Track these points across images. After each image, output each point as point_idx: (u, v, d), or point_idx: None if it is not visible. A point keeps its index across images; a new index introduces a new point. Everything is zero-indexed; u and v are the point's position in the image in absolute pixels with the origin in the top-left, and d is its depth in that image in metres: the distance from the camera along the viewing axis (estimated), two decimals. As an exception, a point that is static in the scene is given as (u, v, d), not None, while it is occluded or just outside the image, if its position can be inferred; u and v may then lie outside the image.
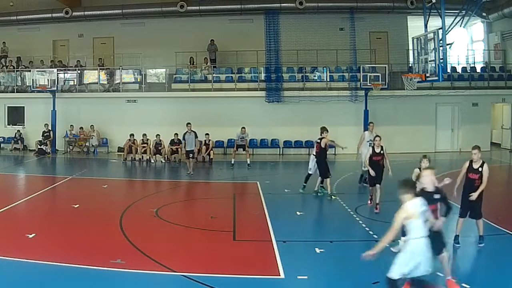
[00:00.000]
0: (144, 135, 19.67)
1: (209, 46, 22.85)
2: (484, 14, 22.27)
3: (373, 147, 11.21)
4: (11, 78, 23.10)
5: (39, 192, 13.07)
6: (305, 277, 7.00)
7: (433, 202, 6.27)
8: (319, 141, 12.41)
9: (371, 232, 9.23)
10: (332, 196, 12.31)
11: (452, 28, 15.60)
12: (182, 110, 20.60)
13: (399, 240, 6.83)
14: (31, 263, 7.36)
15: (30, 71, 22.13)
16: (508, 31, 22.62)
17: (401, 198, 5.72)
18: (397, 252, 6.30)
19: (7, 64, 23.51)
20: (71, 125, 21.84)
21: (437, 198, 6.34)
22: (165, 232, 9.65)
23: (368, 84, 20.27)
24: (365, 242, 8.35)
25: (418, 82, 16.66)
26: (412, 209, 5.56)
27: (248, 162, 17.67)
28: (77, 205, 11.36)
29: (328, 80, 22.07)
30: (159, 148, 19.45)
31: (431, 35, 15.42)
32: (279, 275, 7.14)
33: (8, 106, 23.19)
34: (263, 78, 22.05)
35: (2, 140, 22.77)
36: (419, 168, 7.98)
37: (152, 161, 19.36)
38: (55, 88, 21.38)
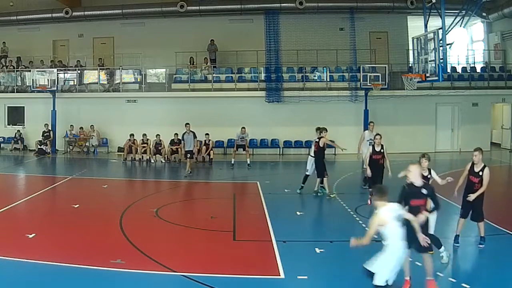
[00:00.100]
0: (144, 135, 19.68)
1: (209, 46, 22.85)
2: (484, 14, 22.26)
3: (373, 146, 11.21)
4: (11, 78, 23.10)
5: (39, 192, 13.08)
6: (305, 277, 7.00)
7: (420, 197, 6.31)
8: (318, 140, 12.43)
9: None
10: (331, 195, 12.32)
11: (452, 28, 15.59)
12: (182, 110, 20.61)
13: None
14: (31, 263, 7.37)
15: (30, 71, 22.12)
16: (508, 31, 22.62)
17: (374, 204, 5.78)
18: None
19: (7, 64, 23.50)
20: (71, 125, 21.83)
21: (424, 194, 6.35)
22: (165, 232, 9.65)
23: (368, 84, 20.26)
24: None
25: (418, 82, 16.65)
26: (385, 215, 5.60)
27: (248, 162, 17.67)
28: (77, 205, 11.37)
29: (328, 80, 22.06)
30: (159, 148, 19.45)
31: (431, 35, 15.41)
32: (279, 275, 7.14)
33: (8, 106, 23.19)
34: (263, 78, 22.04)
35: (2, 140, 22.77)
36: None
37: (152, 161, 19.36)
38: (55, 88, 21.38)
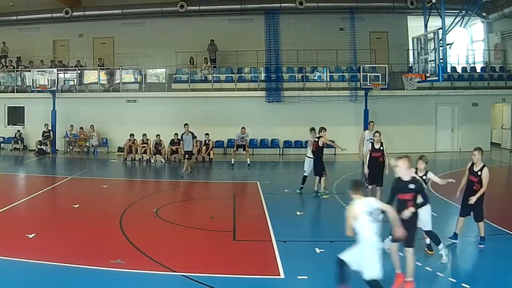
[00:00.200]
0: (144, 135, 19.68)
1: (209, 46, 22.85)
2: (484, 14, 22.28)
3: (372, 143, 11.19)
4: (11, 78, 23.10)
5: (39, 192, 13.08)
6: (305, 277, 7.00)
7: (407, 192, 6.37)
8: (317, 139, 12.44)
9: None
10: (324, 195, 12.28)
11: (452, 28, 15.59)
12: (182, 110, 20.62)
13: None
14: (31, 263, 7.37)
15: (30, 71, 22.11)
16: (508, 31, 22.62)
17: (351, 197, 5.92)
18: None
19: (7, 64, 23.51)
20: (71, 125, 21.83)
21: (412, 188, 6.39)
22: (165, 232, 9.65)
23: (368, 84, 20.26)
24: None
25: (418, 82, 16.65)
26: (357, 209, 5.75)
27: (248, 162, 17.67)
28: (77, 205, 11.37)
29: (328, 80, 22.07)
30: (159, 148, 19.45)
31: (431, 35, 15.41)
32: (279, 275, 7.14)
33: (8, 106, 23.19)
34: (263, 78, 22.04)
35: (2, 140, 22.77)
36: (416, 169, 7.98)
37: (152, 161, 19.36)
38: (55, 88, 21.37)
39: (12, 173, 17.35)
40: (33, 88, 21.46)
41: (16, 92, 22.74)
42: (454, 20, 15.81)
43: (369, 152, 11.09)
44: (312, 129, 12.91)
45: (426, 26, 16.47)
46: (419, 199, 6.46)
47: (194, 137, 16.38)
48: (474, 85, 21.69)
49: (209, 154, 19.23)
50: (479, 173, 8.14)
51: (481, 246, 8.34)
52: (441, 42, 14.85)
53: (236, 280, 7.00)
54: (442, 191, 12.10)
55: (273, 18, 22.27)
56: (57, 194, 13.82)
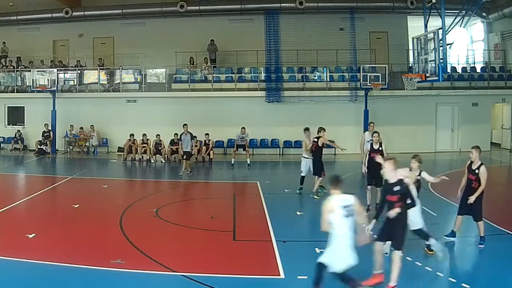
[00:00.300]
0: (144, 135, 19.68)
1: (209, 46, 22.85)
2: (484, 14, 22.28)
3: (371, 144, 11.18)
4: (11, 78, 23.10)
5: (39, 192, 13.08)
6: (305, 277, 6.99)
7: (393, 194, 6.45)
8: (316, 140, 12.44)
9: (371, 232, 9.20)
10: (316, 196, 12.23)
11: (452, 28, 15.59)
12: (182, 110, 20.61)
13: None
14: (31, 263, 7.37)
15: (30, 71, 22.10)
16: (508, 31, 22.62)
17: (330, 192, 6.14)
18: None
19: (7, 64, 23.50)
20: (71, 125, 21.83)
21: (397, 190, 6.44)
22: (165, 232, 9.65)
23: (368, 84, 20.26)
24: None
25: (418, 82, 16.65)
26: (332, 204, 5.95)
27: (248, 162, 17.67)
28: (77, 205, 11.37)
29: (328, 80, 22.06)
30: (159, 148, 19.45)
31: (431, 35, 15.41)
32: (279, 275, 7.15)
33: (8, 106, 23.18)
34: (263, 78, 22.03)
35: (2, 140, 22.77)
36: (410, 169, 8.01)
37: (152, 161, 19.36)
38: (55, 88, 21.37)
39: (12, 173, 17.35)
40: (33, 88, 21.45)
41: (16, 92, 22.74)
42: (454, 20, 15.81)
43: (368, 152, 11.07)
44: (307, 129, 12.88)
45: (426, 26, 16.47)
46: (409, 201, 6.49)
47: (193, 137, 16.35)
48: (474, 85, 21.69)
49: (209, 154, 19.23)
50: (476, 171, 8.23)
51: (481, 246, 8.35)
52: (441, 42, 14.86)
53: (236, 280, 7.01)
54: (442, 191, 12.13)
55: (273, 18, 22.27)
56: (57, 194, 13.82)
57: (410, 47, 18.63)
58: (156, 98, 21.88)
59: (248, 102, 21.60)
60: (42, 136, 21.43)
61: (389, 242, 6.82)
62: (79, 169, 17.85)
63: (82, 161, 20.14)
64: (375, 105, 20.73)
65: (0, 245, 8.23)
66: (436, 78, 15.28)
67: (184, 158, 16.04)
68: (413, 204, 6.58)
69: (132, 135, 19.86)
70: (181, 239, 9.12)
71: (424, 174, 8.22)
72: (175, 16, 23.22)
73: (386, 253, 6.85)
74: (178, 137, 16.77)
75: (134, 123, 21.01)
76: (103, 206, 11.89)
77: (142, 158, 19.67)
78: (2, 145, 22.70)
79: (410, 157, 8.26)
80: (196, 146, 18.79)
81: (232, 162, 17.88)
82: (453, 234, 8.62)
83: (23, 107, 23.01)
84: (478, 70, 22.65)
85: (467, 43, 24.95)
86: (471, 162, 8.38)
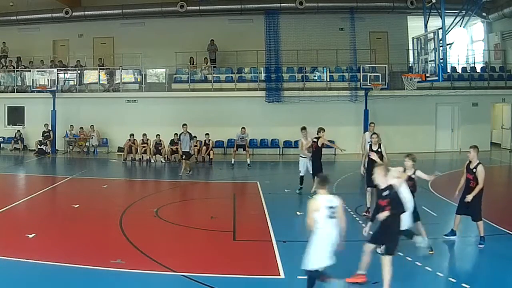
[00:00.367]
0: (144, 135, 19.68)
1: (209, 46, 22.85)
2: (484, 14, 22.28)
3: (370, 145, 11.17)
4: (11, 78, 23.10)
5: (39, 192, 13.08)
6: (305, 277, 6.99)
7: (383, 198, 6.52)
8: (316, 140, 12.44)
9: (371, 232, 9.20)
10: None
11: (452, 28, 15.59)
12: (182, 110, 20.60)
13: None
14: (31, 263, 7.37)
15: (30, 71, 22.10)
16: (508, 31, 22.62)
17: (317, 191, 6.21)
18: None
19: (7, 64, 23.51)
20: (71, 125, 21.83)
21: (386, 195, 6.47)
22: (165, 232, 9.65)
23: (368, 84, 20.26)
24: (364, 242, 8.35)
25: (418, 82, 16.64)
26: (317, 203, 5.99)
27: (248, 162, 17.67)
28: (77, 205, 11.37)
29: (328, 80, 22.06)
30: (159, 148, 19.45)
31: (431, 35, 15.41)
32: (279, 275, 7.16)
33: (8, 106, 23.19)
34: (263, 78, 22.03)
35: (2, 140, 22.76)
36: (404, 168, 8.01)
37: (152, 161, 19.37)
38: (55, 88, 21.37)
39: (12, 173, 17.35)
40: (33, 88, 21.46)
41: (16, 92, 22.74)
42: (454, 20, 15.81)
43: (367, 154, 11.05)
44: (303, 128, 12.90)
45: (426, 26, 16.47)
46: (394, 210, 6.49)
47: (192, 137, 16.33)
48: (474, 85, 21.69)
49: (209, 154, 19.23)
50: (474, 170, 8.30)
51: (481, 246, 8.35)
52: (441, 42, 14.85)
53: (236, 280, 7.01)
54: (442, 191, 12.14)
55: (273, 18, 22.28)
56: (57, 194, 13.82)
57: (410, 47, 18.63)
58: (156, 98, 21.88)
59: (248, 102, 21.60)
60: (42, 136, 21.43)
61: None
62: (79, 169, 17.85)
63: (82, 161, 20.14)
64: (375, 105, 20.73)
65: (0, 245, 8.23)
66: (436, 78, 15.28)
67: (183, 158, 16.04)
68: (402, 211, 6.54)
69: (132, 135, 19.86)
70: (181, 239, 9.12)
71: (419, 173, 8.23)
72: (175, 16, 23.22)
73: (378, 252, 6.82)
74: (178, 137, 16.77)
75: (134, 123, 21.01)
76: (103, 206, 11.89)
77: (142, 158, 19.68)
78: (2, 145, 22.71)
79: (404, 156, 8.26)
80: (196, 146, 18.82)
81: (232, 162, 17.88)
82: (453, 233, 8.66)
83: (23, 107, 23.01)
84: (478, 70, 22.65)
85: (467, 43, 24.95)
86: (469, 161, 8.45)
